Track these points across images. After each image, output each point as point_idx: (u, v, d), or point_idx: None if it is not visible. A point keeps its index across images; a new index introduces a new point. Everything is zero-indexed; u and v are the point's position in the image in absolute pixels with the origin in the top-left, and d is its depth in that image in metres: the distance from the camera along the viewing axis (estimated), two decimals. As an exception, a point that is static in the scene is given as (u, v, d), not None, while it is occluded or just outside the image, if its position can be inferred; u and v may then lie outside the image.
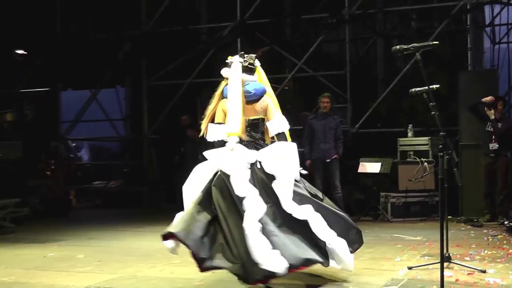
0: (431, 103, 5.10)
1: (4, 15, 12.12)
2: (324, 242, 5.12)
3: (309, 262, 5.00)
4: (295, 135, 11.30)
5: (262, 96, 5.60)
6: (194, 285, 5.41)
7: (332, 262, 5.22)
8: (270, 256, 4.80)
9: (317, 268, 5.60)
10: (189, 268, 5.76)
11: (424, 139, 10.68)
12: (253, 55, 5.72)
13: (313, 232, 5.12)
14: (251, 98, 5.54)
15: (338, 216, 5.44)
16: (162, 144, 13.88)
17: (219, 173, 5.25)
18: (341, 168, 10.67)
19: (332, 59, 13.52)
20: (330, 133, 10.58)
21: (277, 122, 5.60)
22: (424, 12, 13.10)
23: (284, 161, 5.36)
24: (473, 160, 10.24)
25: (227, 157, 5.26)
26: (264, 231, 4.93)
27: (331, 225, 5.24)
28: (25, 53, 13.83)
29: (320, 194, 5.58)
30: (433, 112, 5.08)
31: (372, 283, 5.33)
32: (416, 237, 8.19)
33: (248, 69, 5.60)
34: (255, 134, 5.55)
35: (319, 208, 5.28)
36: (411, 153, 10.61)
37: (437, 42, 5.41)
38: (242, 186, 5.11)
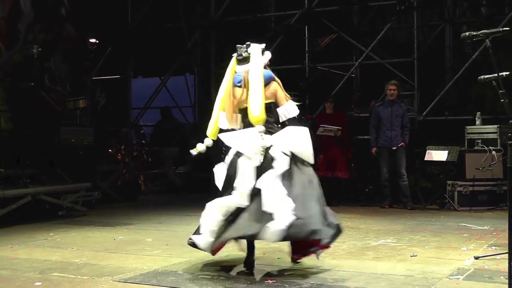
0: (500, 91, 5.02)
1: (78, 4, 12.41)
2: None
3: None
4: (364, 123, 11.39)
5: (270, 81, 5.69)
6: (260, 270, 5.48)
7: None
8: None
9: (381, 255, 5.61)
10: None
11: (492, 127, 10.48)
12: (245, 45, 5.84)
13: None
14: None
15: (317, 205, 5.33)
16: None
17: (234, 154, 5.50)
18: (408, 156, 10.62)
19: (400, 46, 13.38)
20: (397, 120, 10.54)
21: (288, 108, 5.68)
22: (494, -2, 12.84)
23: (297, 145, 5.46)
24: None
25: (245, 141, 5.45)
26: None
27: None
28: (97, 41, 14.13)
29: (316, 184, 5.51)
30: (502, 100, 5.00)
31: (437, 272, 5.29)
32: (483, 227, 8.08)
33: (240, 60, 5.80)
34: (269, 118, 5.61)
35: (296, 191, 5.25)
36: (479, 141, 10.42)
37: (507, 28, 5.31)
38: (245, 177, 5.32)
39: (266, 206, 5.09)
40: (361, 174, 11.88)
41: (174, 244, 6.99)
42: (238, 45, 5.88)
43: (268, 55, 5.87)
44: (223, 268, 5.65)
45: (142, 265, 5.79)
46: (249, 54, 5.77)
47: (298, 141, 5.49)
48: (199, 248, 5.41)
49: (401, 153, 10.50)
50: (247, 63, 5.73)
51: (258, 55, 5.75)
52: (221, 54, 14.12)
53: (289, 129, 5.59)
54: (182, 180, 13.73)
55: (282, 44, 13.04)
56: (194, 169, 14.40)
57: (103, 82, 14.70)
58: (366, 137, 11.33)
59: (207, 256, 6.08)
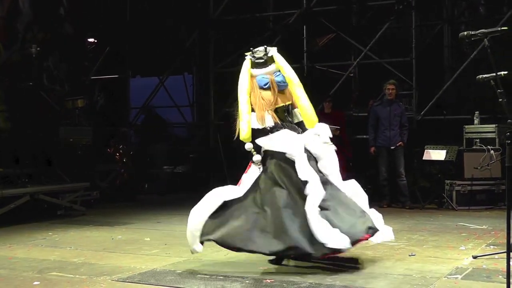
0: (498, 90, 5.03)
1: (76, 3, 12.40)
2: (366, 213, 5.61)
3: (370, 229, 5.36)
4: (362, 122, 11.39)
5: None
6: (258, 270, 5.49)
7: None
8: (332, 235, 5.12)
9: (379, 255, 5.62)
10: (252, 254, 5.89)
11: (491, 127, 10.47)
12: (263, 48, 5.92)
13: (357, 205, 5.63)
14: (282, 88, 5.83)
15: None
16: (229, 130, 13.98)
17: (273, 160, 5.56)
18: (406, 155, 10.62)
19: (398, 46, 13.39)
20: (395, 120, 10.56)
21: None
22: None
23: (328, 144, 5.68)
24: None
25: (289, 142, 5.56)
26: (321, 212, 5.23)
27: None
28: (96, 41, 14.12)
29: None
30: (500, 99, 5.01)
31: (436, 272, 5.30)
32: (481, 226, 8.09)
33: (260, 63, 5.84)
34: (291, 119, 5.84)
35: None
36: (477, 140, 10.43)
37: (506, 28, 5.31)
38: (306, 170, 5.39)
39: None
40: (360, 174, 11.87)
41: (172, 243, 7.00)
42: (254, 49, 5.93)
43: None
44: (222, 267, 5.65)
45: (140, 265, 5.80)
46: (269, 57, 5.87)
47: (328, 140, 5.73)
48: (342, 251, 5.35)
49: (399, 152, 10.51)
50: (268, 66, 5.85)
51: (282, 58, 5.89)
52: (220, 54, 14.13)
53: (319, 128, 5.79)
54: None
55: (281, 43, 13.03)
56: (193, 168, 14.42)
57: (102, 82, 14.68)
58: (365, 136, 11.34)
59: (205, 256, 6.10)
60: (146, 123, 15.50)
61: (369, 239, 5.41)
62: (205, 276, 5.27)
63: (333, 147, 5.71)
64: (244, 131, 5.66)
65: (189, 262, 5.90)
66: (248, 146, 5.69)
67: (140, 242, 7.16)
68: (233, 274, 5.32)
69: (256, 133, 5.69)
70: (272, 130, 5.68)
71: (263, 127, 5.69)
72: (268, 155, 5.63)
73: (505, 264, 4.47)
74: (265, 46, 5.93)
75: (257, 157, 5.67)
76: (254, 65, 5.87)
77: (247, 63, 5.89)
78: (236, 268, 5.57)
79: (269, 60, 5.86)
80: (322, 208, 5.25)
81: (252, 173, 5.68)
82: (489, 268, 5.40)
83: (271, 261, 5.66)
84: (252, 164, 5.71)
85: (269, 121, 5.70)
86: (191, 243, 5.50)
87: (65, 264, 5.91)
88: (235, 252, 5.64)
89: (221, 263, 5.83)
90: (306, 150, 5.58)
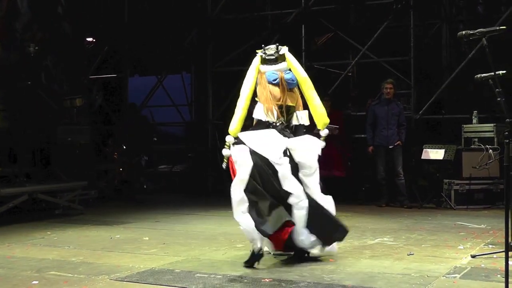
0: (497, 89, 5.03)
1: (74, 2, 12.38)
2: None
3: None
4: (361, 121, 11.39)
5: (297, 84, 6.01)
6: (256, 269, 5.49)
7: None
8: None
9: (377, 254, 5.61)
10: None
11: (489, 126, 10.46)
12: (274, 46, 6.04)
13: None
14: (291, 86, 5.95)
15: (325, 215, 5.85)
16: (227, 130, 13.97)
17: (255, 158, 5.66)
18: (404, 154, 10.62)
19: (397, 45, 13.38)
20: (393, 119, 10.57)
21: (305, 114, 6.00)
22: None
23: (313, 153, 5.76)
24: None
25: (270, 145, 5.68)
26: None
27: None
28: (94, 40, 14.12)
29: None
30: (499, 98, 5.01)
31: (434, 271, 5.30)
32: (480, 225, 8.09)
33: (270, 60, 5.95)
34: (290, 120, 5.95)
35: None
36: (476, 140, 10.42)
37: (504, 27, 5.31)
38: (289, 181, 5.64)
39: None
40: (358, 173, 11.88)
41: (170, 243, 7.00)
42: (266, 46, 6.06)
43: None
44: (220, 266, 5.65)
45: (139, 264, 5.80)
46: (281, 54, 5.97)
47: (314, 149, 5.83)
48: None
49: (397, 151, 10.52)
50: (278, 63, 5.95)
51: (293, 58, 6.01)
52: (218, 53, 14.12)
53: (307, 137, 5.91)
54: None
55: (279, 42, 13.00)
56: (191, 167, 14.42)
57: (100, 81, 14.67)
58: (363, 135, 11.34)
59: (204, 255, 6.10)
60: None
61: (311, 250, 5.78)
62: (204, 275, 5.27)
63: (317, 154, 5.81)
64: (232, 126, 5.82)
65: (187, 262, 5.90)
66: (229, 139, 5.80)
67: (139, 242, 7.16)
68: (231, 273, 5.32)
69: (258, 124, 5.83)
70: (269, 126, 5.79)
71: (266, 120, 5.79)
72: (251, 152, 5.67)
73: (504, 263, 4.48)
74: (277, 44, 6.04)
75: (226, 151, 5.79)
76: (264, 61, 5.98)
77: (256, 60, 6.01)
78: (235, 267, 5.57)
79: (280, 58, 5.97)
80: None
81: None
82: (487, 268, 5.41)
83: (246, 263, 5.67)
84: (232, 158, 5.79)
85: (271, 116, 5.78)
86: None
87: (64, 263, 5.91)
88: (233, 251, 5.63)
89: (219, 262, 5.83)
90: (290, 156, 5.69)
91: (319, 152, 5.81)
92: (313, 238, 5.67)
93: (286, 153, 5.69)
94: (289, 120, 5.93)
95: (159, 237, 7.47)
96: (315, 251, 5.79)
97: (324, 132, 5.95)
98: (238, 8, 13.77)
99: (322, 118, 5.96)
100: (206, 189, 13.42)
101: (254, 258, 5.53)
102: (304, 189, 5.64)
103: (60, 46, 11.92)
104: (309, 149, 5.76)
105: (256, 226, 5.43)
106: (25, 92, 10.64)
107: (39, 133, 10.77)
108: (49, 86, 11.68)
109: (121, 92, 14.50)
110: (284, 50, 6.00)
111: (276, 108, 5.81)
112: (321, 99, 6.14)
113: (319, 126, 5.96)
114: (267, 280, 5.03)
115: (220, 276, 5.21)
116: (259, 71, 5.96)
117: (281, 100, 5.84)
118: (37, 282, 5.11)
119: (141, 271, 5.49)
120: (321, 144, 5.88)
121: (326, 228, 5.73)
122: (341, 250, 6.19)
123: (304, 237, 5.64)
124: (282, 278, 5.08)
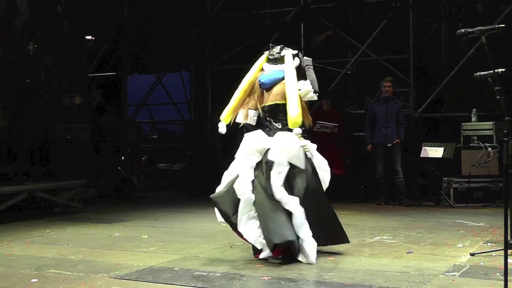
0: (496, 87, 5.02)
1: (73, 1, 12.38)
2: (298, 238, 5.60)
3: (290, 244, 5.52)
4: (360, 120, 11.40)
5: (274, 83, 6.02)
6: (255, 267, 5.50)
7: (299, 256, 5.65)
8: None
9: (376, 252, 5.60)
10: (250, 251, 5.90)
11: (488, 124, 10.46)
12: (279, 47, 6.17)
13: (293, 224, 5.63)
14: (265, 87, 6.04)
15: (326, 215, 5.91)
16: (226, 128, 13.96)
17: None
18: (403, 152, 10.62)
19: (396, 43, 13.38)
20: (392, 117, 10.56)
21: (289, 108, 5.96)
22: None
23: (284, 152, 5.75)
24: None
25: (248, 148, 5.91)
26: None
27: (312, 223, 5.66)
28: (93, 38, 14.11)
29: (322, 190, 5.95)
30: (498, 97, 5.00)
31: (433, 269, 5.30)
32: (479, 223, 8.09)
33: (271, 60, 6.13)
34: (272, 118, 6.02)
35: (306, 203, 5.66)
36: (475, 138, 10.41)
37: (503, 25, 5.31)
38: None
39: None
40: (357, 171, 11.88)
41: (169, 241, 7.00)
42: (272, 45, 6.19)
43: (297, 61, 6.13)
44: (219, 264, 5.65)
45: (138, 262, 5.79)
46: (281, 57, 6.07)
47: (286, 149, 5.78)
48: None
49: (396, 150, 10.51)
50: (277, 64, 6.09)
51: (291, 60, 6.04)
52: (217, 51, 14.12)
53: (280, 135, 5.92)
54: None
55: (278, 41, 12.99)
56: (190, 165, 14.41)
57: (99, 79, 14.66)
58: (362, 134, 11.34)
59: (203, 253, 6.10)
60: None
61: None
62: (203, 273, 5.27)
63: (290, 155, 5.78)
64: (223, 114, 6.11)
65: (186, 260, 5.90)
66: (222, 126, 6.10)
67: (138, 240, 7.16)
68: (230, 272, 5.32)
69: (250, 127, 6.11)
70: (250, 129, 6.05)
71: (247, 123, 6.11)
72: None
73: (503, 261, 4.47)
74: (282, 46, 6.16)
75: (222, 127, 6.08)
76: (268, 60, 6.16)
77: (262, 58, 6.21)
78: (234, 266, 5.57)
79: (280, 60, 6.07)
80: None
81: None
82: (486, 266, 5.41)
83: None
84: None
85: (248, 119, 6.12)
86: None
87: (63, 261, 5.91)
88: (232, 249, 5.63)
89: (218, 261, 5.83)
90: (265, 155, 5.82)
91: (294, 151, 5.77)
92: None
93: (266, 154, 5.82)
94: (277, 116, 6.00)
95: (158, 235, 7.47)
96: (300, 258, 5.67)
97: (296, 131, 5.83)
98: (237, 6, 13.78)
99: (290, 117, 5.84)
100: (205, 187, 13.39)
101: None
102: (273, 187, 5.68)
103: (59, 45, 11.91)
104: (280, 149, 5.77)
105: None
106: (24, 90, 10.64)
107: (38, 131, 10.77)
108: (48, 85, 11.69)
109: (120, 90, 14.49)
110: (286, 52, 6.08)
111: (254, 110, 6.08)
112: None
113: (289, 125, 5.87)
114: (266, 278, 5.03)
115: (219, 274, 5.21)
116: (262, 69, 6.16)
117: (259, 102, 6.04)
118: (36, 280, 5.11)
119: (140, 269, 5.49)
120: (300, 143, 5.84)
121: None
122: (341, 249, 6.20)
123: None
124: (282, 276, 5.08)
